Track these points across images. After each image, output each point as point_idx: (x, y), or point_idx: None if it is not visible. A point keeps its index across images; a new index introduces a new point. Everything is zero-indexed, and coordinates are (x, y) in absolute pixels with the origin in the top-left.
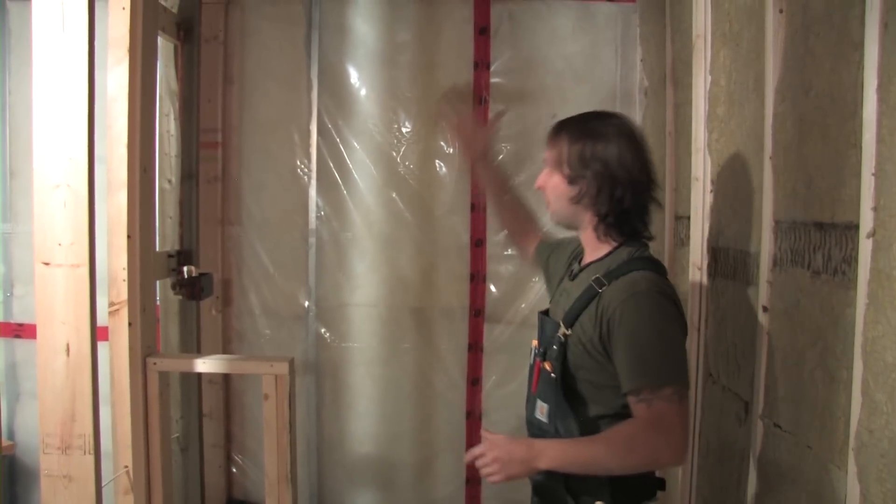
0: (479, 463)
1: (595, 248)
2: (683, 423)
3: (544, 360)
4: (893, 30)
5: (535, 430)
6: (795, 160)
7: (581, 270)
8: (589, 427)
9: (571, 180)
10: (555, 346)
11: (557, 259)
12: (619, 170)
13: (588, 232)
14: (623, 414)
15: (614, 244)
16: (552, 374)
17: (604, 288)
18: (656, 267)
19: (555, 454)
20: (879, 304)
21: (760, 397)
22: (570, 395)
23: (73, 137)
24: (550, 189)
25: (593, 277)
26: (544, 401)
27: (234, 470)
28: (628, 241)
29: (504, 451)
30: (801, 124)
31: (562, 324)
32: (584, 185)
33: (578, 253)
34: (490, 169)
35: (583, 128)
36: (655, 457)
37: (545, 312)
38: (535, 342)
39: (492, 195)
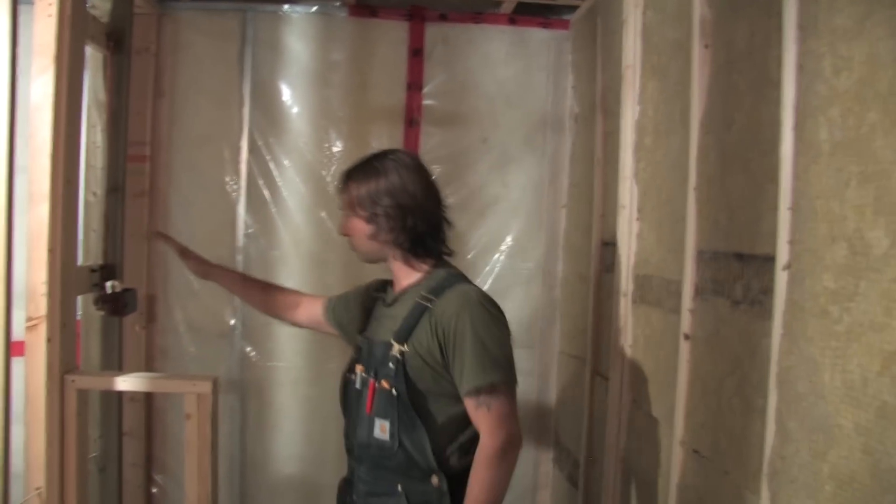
0: None
1: (408, 275)
2: (515, 412)
3: (377, 379)
4: (809, 71)
5: (375, 450)
6: (718, 192)
7: (401, 295)
8: (437, 436)
9: (368, 220)
10: (390, 364)
11: (348, 307)
12: (406, 199)
13: (396, 262)
14: (460, 418)
15: (426, 268)
16: (393, 392)
17: (433, 303)
18: (471, 281)
19: None
20: (793, 335)
21: (681, 423)
22: (413, 407)
23: None
24: (352, 232)
25: (419, 296)
26: (384, 418)
27: (154, 490)
28: (438, 262)
29: None
30: (723, 157)
31: (394, 342)
32: (380, 222)
33: (376, 287)
34: (223, 276)
35: (365, 169)
36: (513, 459)
37: (365, 339)
38: (359, 367)
39: (242, 295)
